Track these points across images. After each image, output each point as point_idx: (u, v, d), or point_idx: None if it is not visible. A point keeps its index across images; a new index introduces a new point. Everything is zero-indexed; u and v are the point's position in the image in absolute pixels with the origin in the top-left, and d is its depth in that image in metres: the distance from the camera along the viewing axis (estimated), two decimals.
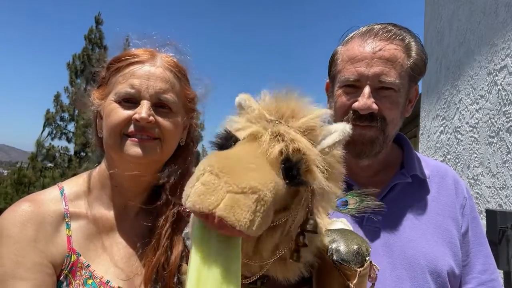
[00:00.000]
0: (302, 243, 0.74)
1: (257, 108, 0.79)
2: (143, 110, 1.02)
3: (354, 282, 0.80)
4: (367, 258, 0.84)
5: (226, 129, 0.77)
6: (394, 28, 1.20)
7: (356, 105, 1.15)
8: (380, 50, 1.14)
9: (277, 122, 0.74)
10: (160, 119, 1.05)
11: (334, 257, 0.82)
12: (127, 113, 1.03)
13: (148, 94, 1.04)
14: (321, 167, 0.72)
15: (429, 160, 1.37)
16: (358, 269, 0.81)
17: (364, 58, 1.15)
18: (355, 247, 0.83)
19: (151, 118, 1.03)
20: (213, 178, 0.59)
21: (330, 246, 0.84)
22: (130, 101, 1.05)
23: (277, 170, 0.68)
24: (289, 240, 0.75)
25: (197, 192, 0.59)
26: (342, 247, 0.83)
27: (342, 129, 0.77)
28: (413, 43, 1.20)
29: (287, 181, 0.69)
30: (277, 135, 0.71)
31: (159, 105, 1.07)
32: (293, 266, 0.79)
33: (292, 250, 0.75)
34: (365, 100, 1.13)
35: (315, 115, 0.77)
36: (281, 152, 0.70)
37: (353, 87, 1.17)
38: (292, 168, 0.69)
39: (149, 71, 1.06)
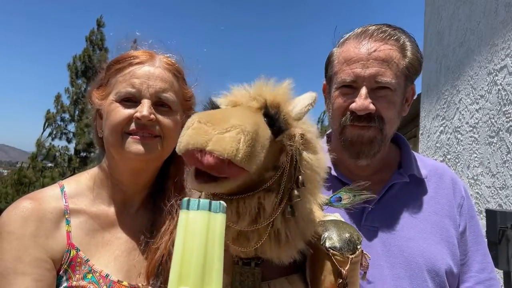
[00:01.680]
0: (295, 197, 0.80)
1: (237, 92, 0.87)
2: (145, 108, 1.05)
3: (346, 268, 0.84)
4: (358, 246, 0.87)
5: (210, 98, 0.86)
6: (389, 29, 1.21)
7: (353, 106, 1.16)
8: (375, 51, 1.15)
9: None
10: (160, 117, 1.08)
11: (327, 244, 0.86)
12: (128, 111, 1.06)
13: (149, 93, 1.07)
14: (298, 119, 0.81)
15: (427, 160, 1.38)
16: (350, 256, 0.84)
17: (359, 59, 1.16)
18: (347, 235, 0.87)
19: (152, 116, 1.05)
20: (202, 125, 0.67)
21: (323, 235, 0.88)
22: (130, 100, 1.07)
23: (259, 117, 0.76)
24: (284, 200, 0.80)
25: (188, 134, 0.67)
26: (335, 235, 0.87)
27: (310, 95, 0.85)
28: (408, 43, 1.21)
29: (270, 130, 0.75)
30: (254, 96, 0.80)
31: (159, 104, 1.09)
32: (286, 247, 0.82)
33: (287, 205, 0.80)
34: (362, 100, 1.14)
35: (284, 88, 0.84)
36: (260, 108, 0.78)
37: (350, 88, 1.18)
38: (272, 117, 0.77)
39: (149, 71, 1.09)
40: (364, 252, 0.93)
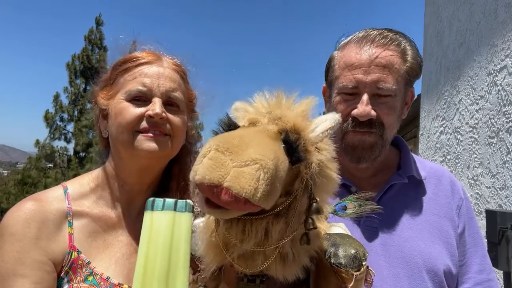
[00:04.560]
0: (310, 227, 0.77)
1: (252, 109, 0.83)
2: (157, 106, 1.06)
3: (350, 285, 0.82)
4: (364, 263, 0.85)
5: (228, 114, 0.81)
6: (390, 34, 1.21)
7: (355, 112, 1.17)
8: (377, 57, 1.16)
9: (272, 112, 0.79)
10: (170, 116, 1.10)
11: (332, 260, 0.84)
12: (139, 110, 1.08)
13: (159, 92, 1.09)
14: (317, 147, 0.77)
15: (425, 161, 1.39)
16: (355, 273, 0.82)
17: (361, 65, 1.16)
18: (353, 251, 0.84)
19: (164, 114, 1.07)
20: (219, 154, 0.62)
21: (328, 250, 0.86)
22: (140, 99, 1.09)
23: (278, 146, 0.72)
24: (295, 227, 0.78)
25: (205, 166, 0.62)
26: (340, 251, 0.85)
27: (333, 117, 0.81)
28: (408, 48, 1.21)
29: (288, 159, 0.72)
30: (274, 119, 0.76)
31: (168, 103, 1.12)
32: (292, 266, 0.81)
33: (302, 234, 0.78)
34: (364, 107, 1.15)
35: (305, 107, 0.81)
36: (279, 133, 0.74)
37: (351, 94, 1.19)
38: (291, 144, 0.73)
39: (158, 71, 1.12)
40: (369, 268, 0.92)
